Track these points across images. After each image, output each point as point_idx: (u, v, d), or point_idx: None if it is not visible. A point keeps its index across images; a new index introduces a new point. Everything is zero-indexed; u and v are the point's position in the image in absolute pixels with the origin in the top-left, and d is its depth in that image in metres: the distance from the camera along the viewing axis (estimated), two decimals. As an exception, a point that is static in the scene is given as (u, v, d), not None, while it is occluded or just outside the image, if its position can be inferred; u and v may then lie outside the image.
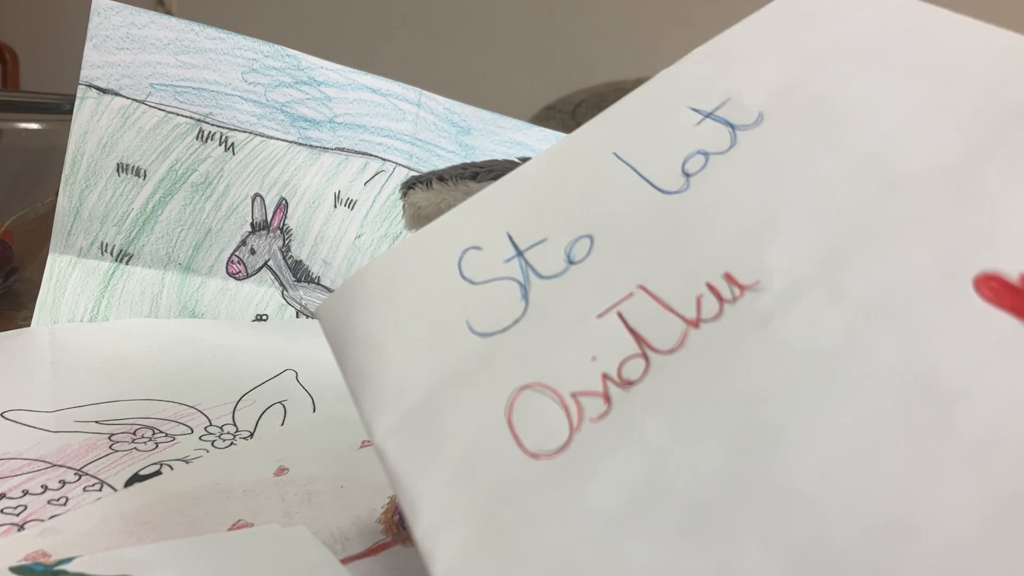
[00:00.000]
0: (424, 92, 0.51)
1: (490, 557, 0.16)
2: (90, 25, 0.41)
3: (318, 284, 0.49)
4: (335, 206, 0.49)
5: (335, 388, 0.36)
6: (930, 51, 0.20)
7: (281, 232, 0.47)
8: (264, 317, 0.48)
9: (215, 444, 0.30)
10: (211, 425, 0.32)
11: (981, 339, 0.16)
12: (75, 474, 0.27)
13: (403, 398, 0.18)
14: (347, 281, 0.20)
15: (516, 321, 0.18)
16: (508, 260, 0.19)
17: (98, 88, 0.41)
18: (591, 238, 0.19)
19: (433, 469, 0.17)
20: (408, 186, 0.27)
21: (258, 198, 0.46)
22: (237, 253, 0.46)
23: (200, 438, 0.31)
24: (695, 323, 0.17)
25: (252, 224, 0.46)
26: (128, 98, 0.42)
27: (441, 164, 0.51)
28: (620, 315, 0.18)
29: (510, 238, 0.19)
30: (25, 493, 0.26)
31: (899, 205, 0.18)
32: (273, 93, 0.46)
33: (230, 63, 0.44)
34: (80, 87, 0.41)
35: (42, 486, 0.27)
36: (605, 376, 0.17)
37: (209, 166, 0.44)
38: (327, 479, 0.28)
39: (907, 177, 0.18)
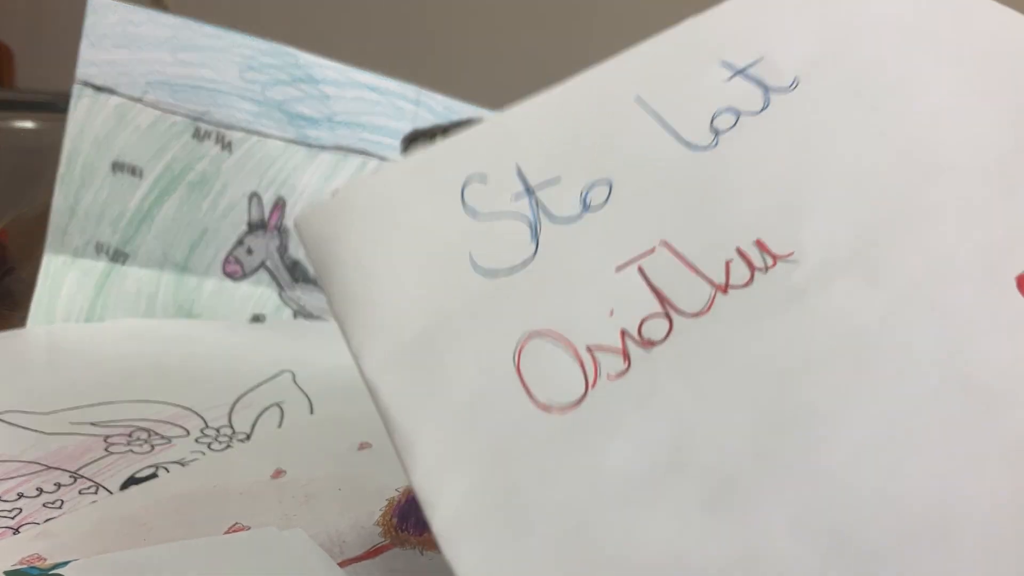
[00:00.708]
0: (423, 90, 0.51)
1: (496, 509, 0.15)
2: (86, 23, 0.40)
3: (316, 284, 0.49)
4: (333, 205, 0.49)
5: (333, 389, 0.36)
6: (973, 38, 0.19)
7: (279, 232, 0.47)
8: (261, 317, 0.47)
9: (211, 446, 0.30)
10: (207, 427, 0.32)
11: (1023, 340, 0.16)
12: (70, 476, 0.27)
13: (397, 331, 0.17)
14: (336, 194, 0.18)
15: (525, 263, 0.17)
16: (517, 196, 0.18)
17: (94, 86, 0.41)
18: (609, 184, 0.18)
19: (432, 410, 0.16)
20: (410, 139, 0.27)
21: (255, 197, 0.46)
22: (234, 253, 0.46)
23: (196, 440, 0.31)
24: (724, 288, 0.17)
25: (249, 223, 0.46)
26: (124, 96, 0.42)
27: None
28: (641, 270, 0.17)
29: (519, 172, 0.18)
30: (20, 496, 0.26)
31: (941, 193, 0.17)
32: (271, 91, 0.45)
33: (227, 61, 0.44)
34: (76, 85, 0.41)
35: (37, 489, 0.26)
36: (624, 333, 0.16)
37: (206, 165, 0.44)
38: (325, 481, 0.28)
39: (950, 165, 0.17)
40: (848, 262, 0.17)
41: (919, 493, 0.15)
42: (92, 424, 0.31)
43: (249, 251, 0.46)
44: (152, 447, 0.30)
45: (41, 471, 0.28)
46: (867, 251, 0.17)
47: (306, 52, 0.47)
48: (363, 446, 0.31)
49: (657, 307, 0.17)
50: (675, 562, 0.15)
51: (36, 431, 0.30)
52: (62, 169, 0.41)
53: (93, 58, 0.41)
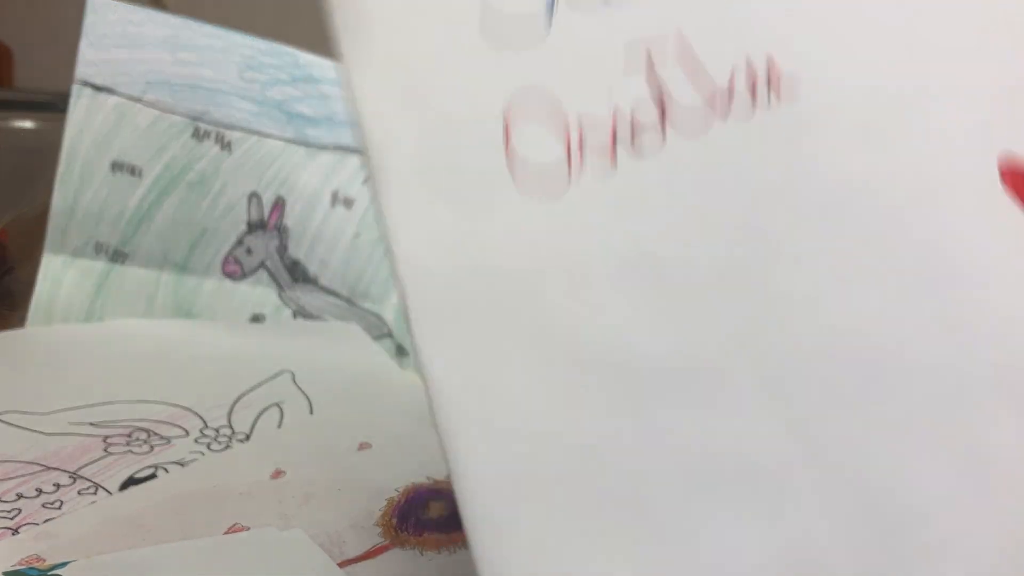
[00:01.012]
0: (422, 90, 0.51)
1: (458, 256, 0.16)
2: (85, 22, 0.40)
3: (316, 284, 0.49)
4: (332, 205, 0.49)
5: (333, 390, 0.36)
6: None
7: (278, 231, 0.47)
8: (261, 317, 0.47)
9: (211, 447, 0.30)
10: (207, 427, 0.32)
11: (995, 226, 0.17)
12: (70, 477, 0.27)
13: (389, 52, 0.16)
14: None
15: (536, 44, 0.17)
16: None
17: (93, 86, 0.41)
18: None
19: (408, 124, 0.16)
20: None
21: (255, 197, 0.46)
22: (234, 253, 0.46)
23: (196, 440, 0.31)
24: (723, 115, 0.17)
25: (248, 223, 0.46)
26: (124, 96, 0.42)
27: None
28: (649, 55, 0.17)
29: None
30: (19, 496, 0.26)
31: (949, 70, 0.18)
32: (270, 91, 0.45)
33: (227, 60, 0.44)
34: (75, 85, 0.40)
35: (36, 489, 0.26)
36: (616, 116, 0.16)
37: (205, 165, 0.44)
38: (324, 482, 0.28)
39: (960, 44, 0.18)
40: (849, 115, 0.17)
41: (867, 332, 0.16)
42: (91, 424, 0.31)
43: (248, 251, 0.46)
44: (151, 447, 0.30)
45: (40, 471, 0.27)
46: (870, 108, 0.17)
47: (306, 52, 0.47)
48: (363, 446, 0.31)
49: (654, 98, 0.17)
50: (621, 351, 0.16)
51: (35, 431, 0.30)
52: (61, 169, 0.41)
53: (93, 58, 0.40)
